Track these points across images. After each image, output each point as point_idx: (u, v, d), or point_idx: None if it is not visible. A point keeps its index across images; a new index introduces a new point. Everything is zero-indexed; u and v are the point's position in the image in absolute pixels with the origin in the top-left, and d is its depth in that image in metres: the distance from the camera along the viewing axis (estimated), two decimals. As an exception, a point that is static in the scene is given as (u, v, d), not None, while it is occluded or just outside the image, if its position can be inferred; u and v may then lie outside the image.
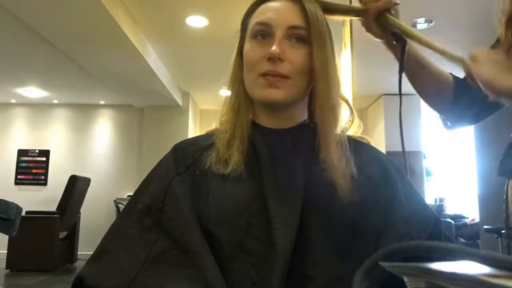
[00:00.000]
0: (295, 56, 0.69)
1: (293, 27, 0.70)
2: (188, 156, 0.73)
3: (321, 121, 0.71)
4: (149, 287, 0.60)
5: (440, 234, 0.68)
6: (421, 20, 3.42)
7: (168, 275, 0.61)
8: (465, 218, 6.02)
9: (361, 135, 0.79)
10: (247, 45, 0.73)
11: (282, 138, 0.72)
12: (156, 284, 0.60)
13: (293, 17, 0.70)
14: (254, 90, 0.71)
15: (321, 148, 0.69)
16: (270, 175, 0.67)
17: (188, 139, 0.80)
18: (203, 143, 0.74)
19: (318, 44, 0.70)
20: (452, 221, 5.58)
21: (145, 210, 0.68)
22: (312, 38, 0.69)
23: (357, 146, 0.74)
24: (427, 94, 1.04)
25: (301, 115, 0.76)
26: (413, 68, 0.95)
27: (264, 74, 0.69)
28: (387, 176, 0.70)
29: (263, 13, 0.72)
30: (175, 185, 0.68)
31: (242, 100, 0.75)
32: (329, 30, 0.73)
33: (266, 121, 0.75)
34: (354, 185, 0.67)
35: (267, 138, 0.72)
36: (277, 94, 0.69)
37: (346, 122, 0.77)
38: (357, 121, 0.78)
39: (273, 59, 0.68)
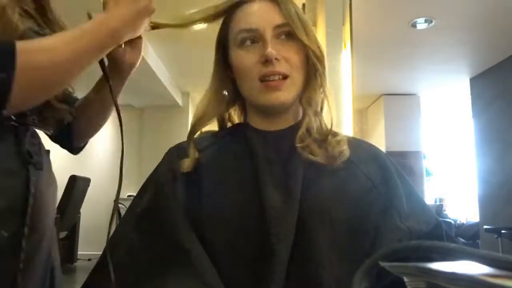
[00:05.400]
0: (288, 52, 0.70)
1: (278, 26, 0.70)
2: (184, 158, 0.73)
3: (313, 116, 0.72)
4: None
5: (441, 234, 0.68)
6: (421, 20, 3.42)
7: (166, 276, 0.61)
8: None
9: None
10: (235, 54, 0.72)
11: (279, 140, 0.72)
12: (155, 285, 0.60)
13: (276, 16, 0.70)
14: (256, 97, 0.71)
15: (316, 145, 0.70)
16: (267, 177, 0.67)
17: (184, 141, 0.79)
18: (200, 146, 0.74)
19: (306, 36, 0.70)
20: (452, 221, 5.58)
21: (143, 214, 0.68)
22: (297, 32, 0.69)
23: (355, 144, 0.74)
24: None
25: (296, 115, 0.76)
26: None
27: (264, 76, 0.69)
28: (386, 174, 0.70)
29: (244, 19, 0.71)
30: (168, 189, 0.68)
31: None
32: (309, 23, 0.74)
33: (261, 123, 0.75)
34: (353, 184, 0.67)
35: (263, 141, 0.72)
36: (281, 96, 0.69)
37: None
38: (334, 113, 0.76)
39: (269, 60, 0.68)
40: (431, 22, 3.44)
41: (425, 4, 3.20)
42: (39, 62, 0.59)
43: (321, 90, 0.73)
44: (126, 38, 0.69)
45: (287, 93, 0.70)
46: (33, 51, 0.59)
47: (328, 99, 0.74)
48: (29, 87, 0.59)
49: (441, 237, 0.68)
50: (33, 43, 0.62)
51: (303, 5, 2.60)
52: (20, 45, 0.57)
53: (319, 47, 0.72)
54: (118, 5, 0.66)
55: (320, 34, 2.45)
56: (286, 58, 0.69)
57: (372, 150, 0.75)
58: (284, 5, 0.71)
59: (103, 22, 0.65)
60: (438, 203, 6.04)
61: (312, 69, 0.72)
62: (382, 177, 0.69)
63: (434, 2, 3.17)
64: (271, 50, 0.67)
